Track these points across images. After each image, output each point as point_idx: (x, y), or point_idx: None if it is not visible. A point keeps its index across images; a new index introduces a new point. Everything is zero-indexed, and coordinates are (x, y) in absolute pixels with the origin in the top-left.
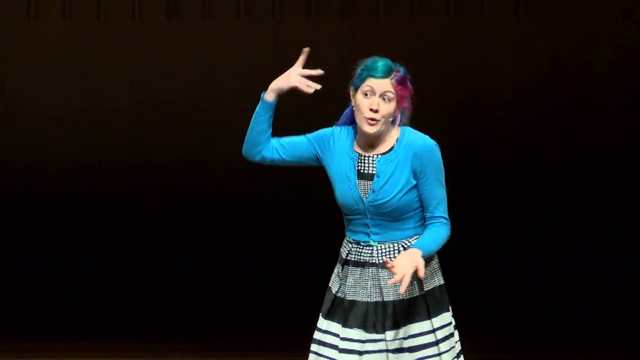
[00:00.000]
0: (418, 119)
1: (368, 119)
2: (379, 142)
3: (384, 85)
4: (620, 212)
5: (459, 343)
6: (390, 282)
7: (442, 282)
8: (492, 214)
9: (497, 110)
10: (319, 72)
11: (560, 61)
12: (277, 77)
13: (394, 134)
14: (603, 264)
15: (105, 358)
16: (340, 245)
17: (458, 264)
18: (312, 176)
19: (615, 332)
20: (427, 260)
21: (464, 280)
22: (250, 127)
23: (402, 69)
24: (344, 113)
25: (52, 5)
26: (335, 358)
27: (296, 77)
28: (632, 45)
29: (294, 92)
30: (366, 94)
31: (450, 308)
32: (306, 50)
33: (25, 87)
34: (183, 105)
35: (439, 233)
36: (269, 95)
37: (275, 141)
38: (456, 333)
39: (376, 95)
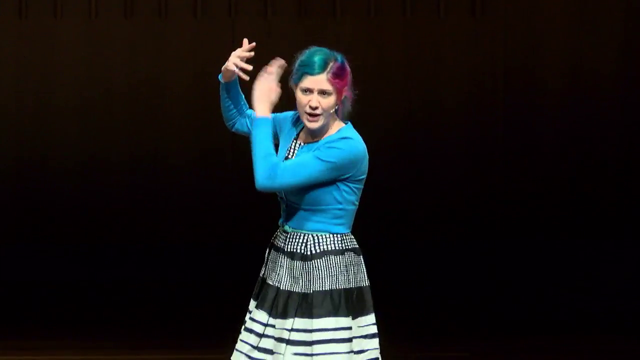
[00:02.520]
0: (373, 117)
1: (308, 114)
2: (321, 134)
3: (320, 81)
4: (575, 215)
5: (366, 353)
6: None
7: (342, 286)
8: (449, 216)
9: (452, 110)
10: (250, 54)
11: (515, 61)
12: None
13: (335, 128)
14: (573, 262)
15: (84, 356)
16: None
17: (424, 263)
18: None
19: (580, 330)
20: (330, 262)
21: (422, 278)
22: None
23: (339, 58)
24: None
25: (8, 3)
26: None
27: (233, 60)
28: (586, 47)
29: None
30: (304, 91)
31: (351, 315)
32: (252, 44)
33: None
34: (138, 102)
35: (269, 152)
36: (222, 77)
37: (247, 113)
38: (358, 342)
39: (314, 92)
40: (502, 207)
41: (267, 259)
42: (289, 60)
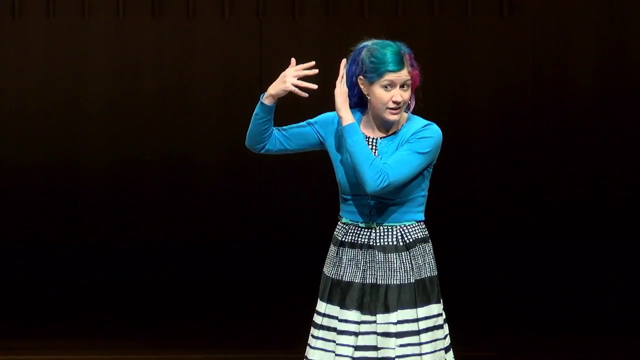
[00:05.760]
0: None
1: (391, 109)
2: (395, 125)
3: (403, 76)
4: (597, 213)
5: (448, 337)
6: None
7: (434, 273)
8: (477, 214)
9: (480, 110)
10: (314, 71)
11: (543, 60)
12: (262, 76)
13: (404, 117)
14: (591, 262)
15: (88, 355)
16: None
17: (456, 262)
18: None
19: (600, 331)
20: (422, 251)
21: (452, 277)
22: (251, 126)
23: (405, 49)
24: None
25: (35, 2)
26: (334, 340)
27: (292, 80)
28: (616, 45)
29: (290, 94)
30: (386, 87)
31: (440, 300)
32: (312, 62)
33: (8, 83)
34: (166, 102)
35: (372, 157)
36: (268, 100)
37: (277, 132)
38: (445, 327)
39: (397, 87)
40: (533, 206)
41: (340, 258)
42: (318, 60)
